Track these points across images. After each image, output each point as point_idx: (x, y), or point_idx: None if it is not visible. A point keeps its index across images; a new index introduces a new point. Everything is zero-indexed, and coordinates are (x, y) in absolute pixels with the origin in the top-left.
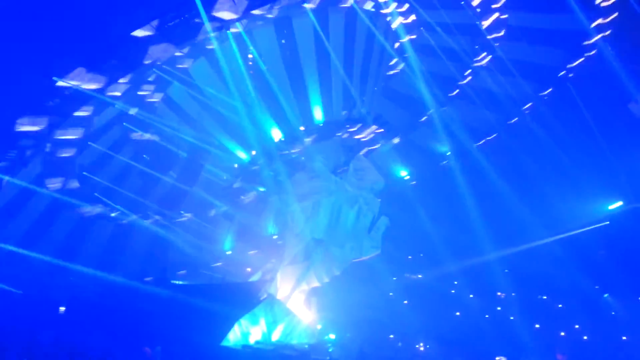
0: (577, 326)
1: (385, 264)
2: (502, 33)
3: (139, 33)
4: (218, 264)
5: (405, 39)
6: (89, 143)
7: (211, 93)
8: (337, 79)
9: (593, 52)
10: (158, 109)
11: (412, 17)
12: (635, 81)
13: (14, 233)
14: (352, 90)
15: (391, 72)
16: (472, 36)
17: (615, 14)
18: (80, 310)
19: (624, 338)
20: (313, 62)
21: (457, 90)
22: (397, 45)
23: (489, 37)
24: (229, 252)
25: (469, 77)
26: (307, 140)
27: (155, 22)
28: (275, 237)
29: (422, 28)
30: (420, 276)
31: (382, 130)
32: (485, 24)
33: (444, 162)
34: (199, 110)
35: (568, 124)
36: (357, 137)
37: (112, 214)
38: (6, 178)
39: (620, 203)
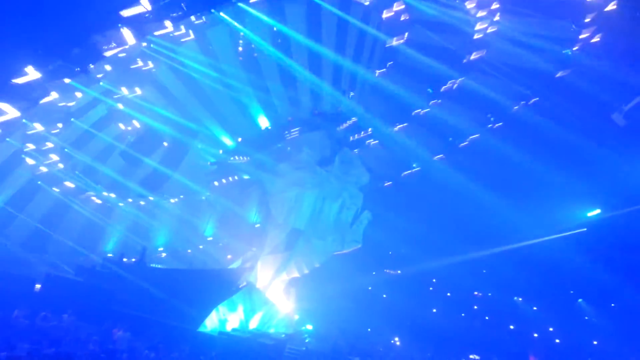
0: (550, 329)
1: (366, 258)
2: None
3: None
4: (199, 248)
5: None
6: (72, 120)
7: (199, 77)
8: (327, 71)
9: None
10: (144, 89)
11: (405, 14)
12: (618, 90)
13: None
14: (341, 83)
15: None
16: (464, 34)
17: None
18: (55, 289)
19: (595, 342)
20: (304, 52)
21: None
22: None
23: (477, 36)
24: (210, 238)
25: (458, 78)
26: (294, 130)
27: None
28: (257, 225)
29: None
30: (399, 272)
31: (369, 125)
32: (478, 26)
33: (428, 161)
34: (185, 93)
35: (549, 129)
36: (344, 130)
37: (93, 194)
38: None
39: (598, 211)
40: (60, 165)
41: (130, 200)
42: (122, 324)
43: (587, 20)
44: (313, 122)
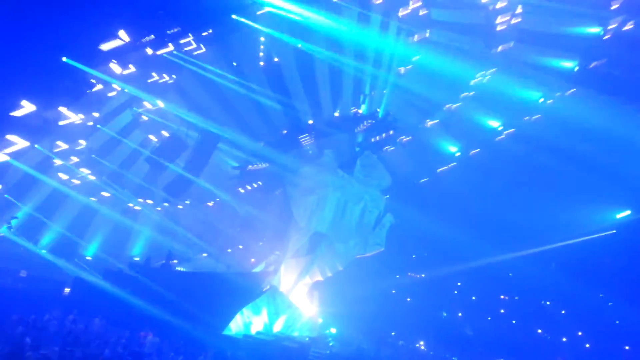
0: (579, 333)
1: (389, 261)
2: (511, 44)
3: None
4: (222, 252)
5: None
6: (98, 127)
7: (221, 82)
8: (348, 74)
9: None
10: (169, 95)
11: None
12: None
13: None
14: (363, 86)
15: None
16: (486, 35)
17: None
18: (84, 292)
19: (627, 348)
20: (325, 55)
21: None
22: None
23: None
24: (233, 242)
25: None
26: (309, 136)
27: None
28: (280, 229)
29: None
30: (423, 275)
31: (392, 128)
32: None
33: (452, 163)
34: (208, 99)
35: (578, 130)
36: (366, 133)
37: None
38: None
39: (628, 212)
40: (86, 171)
41: (154, 204)
42: (148, 327)
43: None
44: (334, 125)
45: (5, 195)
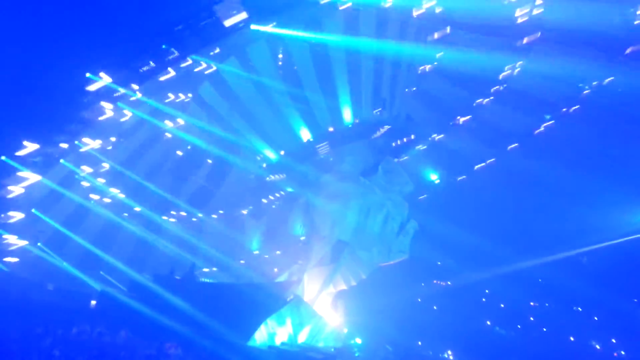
0: (613, 340)
1: (414, 269)
2: (538, 35)
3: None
4: (244, 262)
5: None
6: (120, 140)
7: (240, 92)
8: (367, 79)
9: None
10: (189, 107)
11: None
12: None
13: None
14: (382, 91)
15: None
16: (508, 36)
17: None
18: (109, 305)
19: None
20: (343, 62)
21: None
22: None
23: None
24: (256, 252)
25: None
26: (336, 141)
27: (184, 22)
28: (302, 238)
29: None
30: (449, 283)
31: (412, 132)
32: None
33: (477, 167)
34: (228, 109)
35: (604, 130)
36: (386, 138)
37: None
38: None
39: None
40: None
41: (178, 216)
42: (173, 339)
43: None
44: (355, 132)
45: (33, 210)
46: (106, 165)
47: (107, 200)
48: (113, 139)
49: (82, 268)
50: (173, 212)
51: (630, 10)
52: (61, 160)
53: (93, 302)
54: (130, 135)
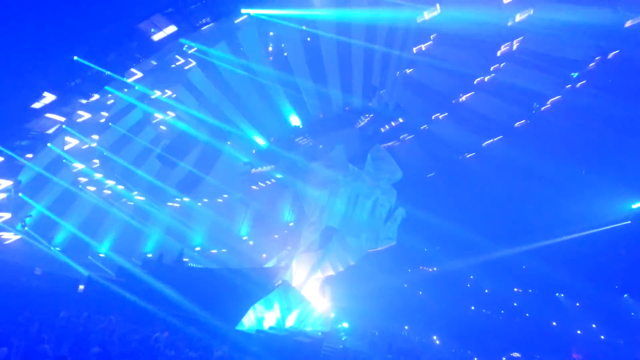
0: (594, 325)
1: (401, 255)
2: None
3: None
4: (233, 248)
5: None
6: (110, 124)
7: (230, 78)
8: (357, 67)
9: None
10: (178, 93)
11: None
12: None
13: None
14: (373, 79)
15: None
16: (497, 26)
17: None
18: (98, 290)
19: None
20: (334, 49)
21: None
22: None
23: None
24: (245, 238)
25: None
26: (326, 128)
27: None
28: (291, 224)
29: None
30: (435, 269)
31: (401, 120)
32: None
33: (464, 155)
34: (218, 95)
35: (590, 119)
36: (376, 125)
37: (130, 198)
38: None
39: None
40: (98, 175)
41: (167, 202)
42: (161, 324)
43: None
44: (345, 119)
45: (20, 194)
46: (96, 137)
47: (91, 188)
48: (103, 119)
49: (70, 253)
50: (163, 199)
51: None
52: (49, 144)
53: (81, 287)
54: (119, 121)
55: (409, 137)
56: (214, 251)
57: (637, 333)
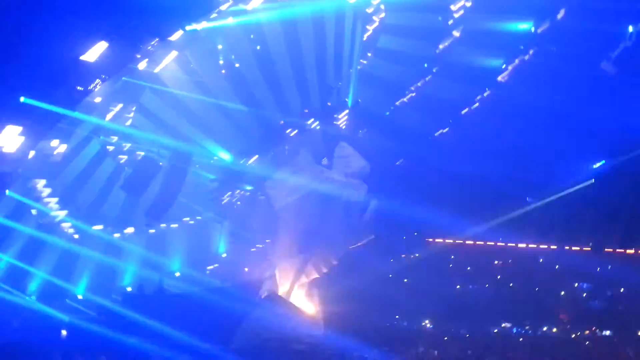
0: (576, 285)
1: (381, 247)
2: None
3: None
4: (214, 268)
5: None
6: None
7: (184, 96)
8: (310, 68)
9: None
10: (134, 119)
11: None
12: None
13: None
14: (327, 77)
15: (365, 58)
16: (442, 11)
17: None
18: (81, 332)
19: (622, 290)
20: (284, 52)
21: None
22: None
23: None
24: (224, 255)
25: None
26: (288, 133)
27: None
28: (268, 234)
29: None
30: (417, 255)
31: (361, 115)
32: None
33: (430, 137)
34: (174, 115)
35: (546, 84)
36: (338, 125)
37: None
38: None
39: (604, 161)
40: (61, 213)
41: (138, 232)
42: (153, 356)
43: None
44: (306, 122)
45: None
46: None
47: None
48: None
49: (47, 300)
50: (134, 229)
51: None
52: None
53: (64, 332)
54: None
55: (372, 129)
56: (195, 273)
57: (612, 286)
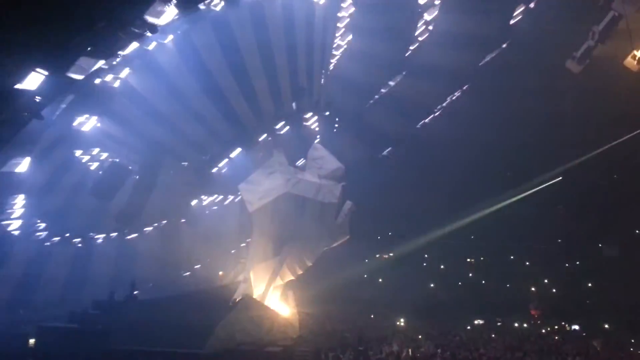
0: (545, 280)
1: (356, 247)
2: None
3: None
4: (188, 273)
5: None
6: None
7: (154, 100)
8: (282, 69)
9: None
10: (102, 123)
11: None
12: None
13: None
14: (299, 80)
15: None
16: (410, 12)
17: None
18: (50, 340)
19: (590, 285)
20: (255, 53)
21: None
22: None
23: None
24: (197, 260)
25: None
26: (260, 135)
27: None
28: (242, 237)
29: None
30: (391, 254)
31: (334, 116)
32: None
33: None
34: (144, 120)
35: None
36: (310, 126)
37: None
38: None
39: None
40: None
41: (108, 238)
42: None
43: None
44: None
45: None
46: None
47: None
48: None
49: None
50: (102, 235)
51: None
52: None
53: (32, 341)
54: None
55: (345, 129)
56: (167, 279)
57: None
